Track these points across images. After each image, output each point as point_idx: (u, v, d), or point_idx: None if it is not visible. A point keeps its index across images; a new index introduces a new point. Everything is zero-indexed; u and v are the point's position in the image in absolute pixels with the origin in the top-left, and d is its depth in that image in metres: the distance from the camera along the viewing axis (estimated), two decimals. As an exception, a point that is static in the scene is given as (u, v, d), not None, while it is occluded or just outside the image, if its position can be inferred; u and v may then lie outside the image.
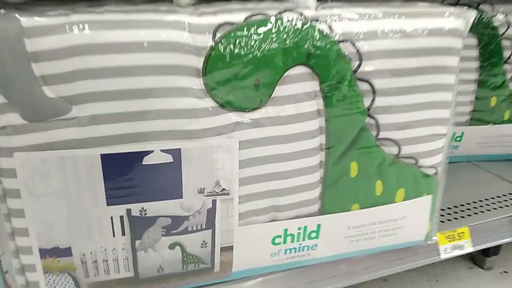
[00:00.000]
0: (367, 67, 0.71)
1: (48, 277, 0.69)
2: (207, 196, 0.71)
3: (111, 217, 0.68)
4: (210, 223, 0.73)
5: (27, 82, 0.58)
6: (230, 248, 0.76)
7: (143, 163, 0.66)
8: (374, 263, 0.94)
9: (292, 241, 0.80)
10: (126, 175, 0.66)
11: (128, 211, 0.68)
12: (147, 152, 0.65)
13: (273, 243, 0.79)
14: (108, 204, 0.67)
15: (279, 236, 0.78)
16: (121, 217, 0.68)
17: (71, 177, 0.64)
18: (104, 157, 0.64)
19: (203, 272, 0.77)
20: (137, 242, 0.71)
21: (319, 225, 0.80)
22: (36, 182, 0.63)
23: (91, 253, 0.70)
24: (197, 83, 0.65)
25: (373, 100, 0.74)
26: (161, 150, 0.66)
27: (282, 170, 0.73)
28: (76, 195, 0.65)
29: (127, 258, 0.72)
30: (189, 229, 0.72)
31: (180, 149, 0.66)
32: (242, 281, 0.83)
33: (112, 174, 0.65)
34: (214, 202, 0.72)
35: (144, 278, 0.74)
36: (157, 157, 0.66)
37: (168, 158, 0.66)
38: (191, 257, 0.75)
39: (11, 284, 0.72)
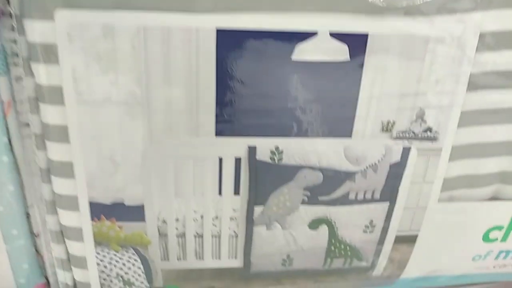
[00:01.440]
0: None
1: (102, 253, 0.41)
2: (396, 138, 0.38)
3: (220, 159, 0.37)
4: (390, 190, 0.41)
5: None
6: (411, 240, 0.44)
7: (293, 56, 0.34)
8: None
9: (517, 239, 0.45)
10: (257, 78, 0.34)
11: (252, 150, 0.37)
12: (304, 35, 0.33)
13: (486, 238, 0.45)
14: (218, 133, 0.36)
15: (500, 228, 0.45)
16: (237, 160, 0.38)
17: (156, 70, 0.33)
18: (223, 36, 0.33)
19: (354, 273, 0.46)
20: (257, 209, 0.40)
21: None
22: (93, 74, 0.33)
23: (177, 219, 0.40)
24: None
25: None
26: (331, 34, 0.33)
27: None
28: (161, 109, 0.35)
29: (237, 236, 0.42)
30: (351, 197, 0.40)
31: (365, 35, 0.34)
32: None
33: (232, 72, 0.34)
34: (406, 151, 0.39)
35: (257, 272, 0.44)
36: (321, 48, 0.34)
37: (342, 52, 0.34)
38: (343, 246, 0.43)
39: (44, 255, 0.45)
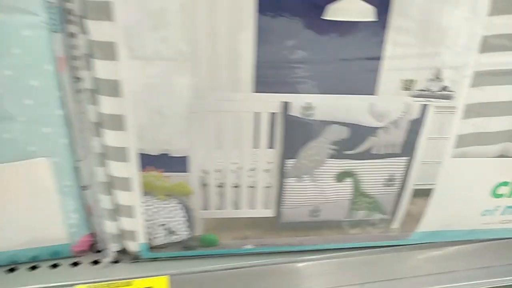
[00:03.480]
0: None
1: (149, 202, 0.42)
2: (416, 96, 0.39)
3: (256, 114, 0.38)
4: (408, 146, 0.41)
5: None
6: (427, 193, 0.44)
7: (323, 16, 0.34)
8: None
9: (524, 195, 0.46)
10: (292, 38, 0.35)
11: (285, 106, 0.38)
12: (335, -3, 0.34)
13: (494, 193, 0.46)
14: (256, 90, 0.37)
15: (506, 184, 0.45)
16: (272, 115, 0.38)
17: (203, 29, 0.34)
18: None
19: (374, 225, 0.47)
20: (289, 162, 0.41)
21: None
22: (145, 31, 0.34)
23: (217, 171, 0.41)
24: None
25: None
26: (361, -5, 0.34)
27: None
28: (205, 65, 0.35)
29: (271, 187, 0.42)
30: (374, 151, 0.41)
31: (391, -2, 0.34)
32: (421, 248, 0.51)
33: (271, 31, 0.35)
34: (424, 108, 0.39)
35: (287, 222, 0.45)
36: (350, 8, 0.34)
37: (369, 13, 0.35)
38: (365, 199, 0.44)
39: (91, 207, 0.46)
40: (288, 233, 0.45)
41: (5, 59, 0.33)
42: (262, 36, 0.35)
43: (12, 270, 0.45)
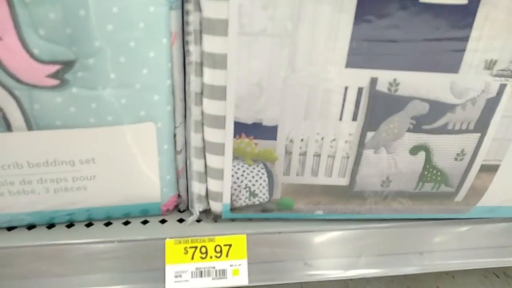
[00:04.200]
0: None
1: (237, 166, 0.45)
2: (495, 75, 0.41)
3: (346, 88, 0.41)
4: (483, 123, 0.44)
5: None
6: (493, 169, 0.47)
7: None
8: None
9: None
10: (387, 17, 0.38)
11: (373, 81, 0.41)
12: (430, -18, 0.36)
13: (557, 172, 0.48)
14: (348, 65, 0.40)
15: None
16: (360, 90, 0.41)
17: (308, 9, 0.37)
18: (365, -21, 0.36)
19: (439, 198, 0.49)
20: (369, 134, 0.44)
21: None
22: (256, 10, 0.37)
23: (302, 140, 0.44)
24: None
25: None
26: (455, -19, 0.36)
27: None
28: (305, 41, 0.38)
29: (348, 157, 0.45)
30: (449, 127, 0.44)
31: (483, -17, 0.36)
32: (479, 223, 0.53)
33: (368, 12, 0.37)
34: (502, 87, 0.42)
35: (359, 191, 0.48)
36: (445, -7, 0.37)
37: (462, -3, 0.37)
38: (435, 172, 0.47)
39: (182, 170, 0.50)
40: (358, 202, 0.49)
41: (132, 32, 0.37)
42: (360, 16, 0.37)
43: (107, 224, 0.50)
